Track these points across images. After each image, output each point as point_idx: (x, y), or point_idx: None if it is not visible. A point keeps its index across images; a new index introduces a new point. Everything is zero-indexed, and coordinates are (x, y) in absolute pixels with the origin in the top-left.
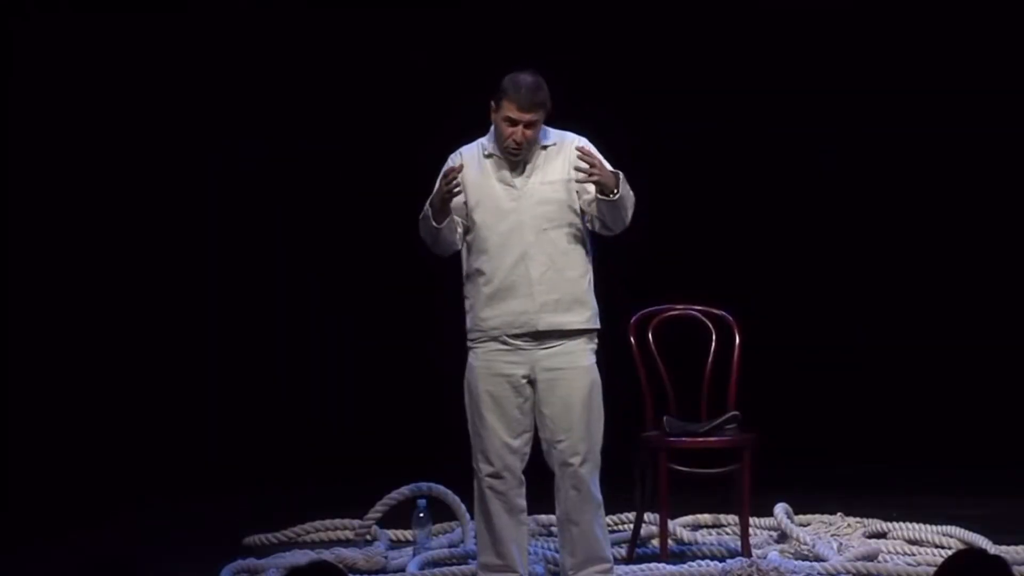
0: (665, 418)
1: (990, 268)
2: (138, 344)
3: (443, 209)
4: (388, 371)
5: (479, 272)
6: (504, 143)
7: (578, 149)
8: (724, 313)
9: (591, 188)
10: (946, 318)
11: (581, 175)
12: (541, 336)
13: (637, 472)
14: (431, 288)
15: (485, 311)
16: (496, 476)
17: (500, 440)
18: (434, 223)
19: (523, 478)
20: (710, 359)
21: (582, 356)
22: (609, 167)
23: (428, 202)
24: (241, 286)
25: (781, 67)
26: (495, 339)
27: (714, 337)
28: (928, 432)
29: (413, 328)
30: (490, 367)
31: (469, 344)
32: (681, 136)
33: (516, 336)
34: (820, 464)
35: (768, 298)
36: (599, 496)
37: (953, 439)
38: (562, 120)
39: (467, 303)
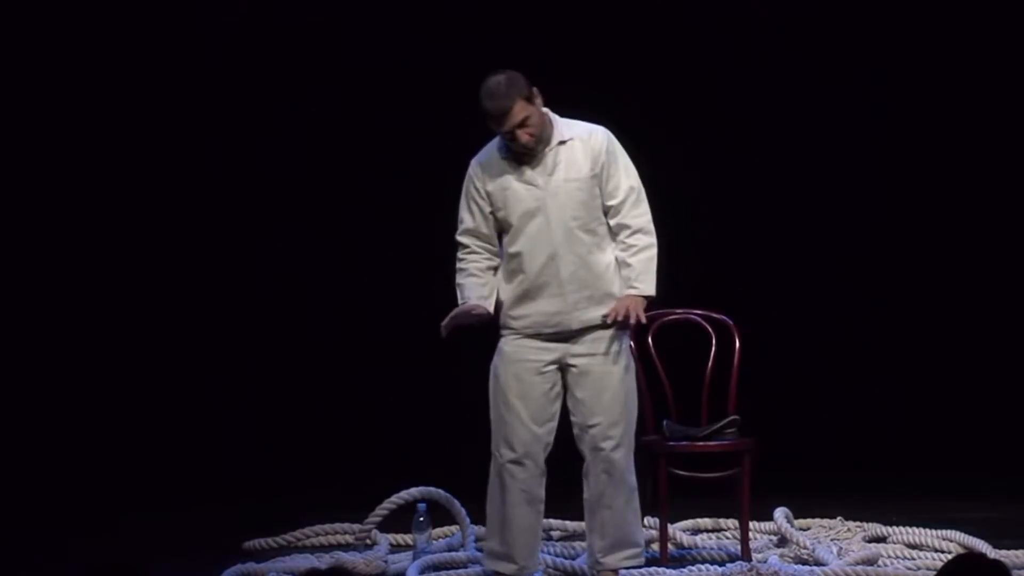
0: (665, 422)
1: (988, 271)
2: (138, 348)
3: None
4: (387, 372)
5: (512, 272)
6: (516, 149)
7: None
8: (724, 317)
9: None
10: (945, 322)
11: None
12: (575, 334)
13: (637, 476)
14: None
15: (516, 309)
16: (517, 463)
17: (524, 426)
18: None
19: (544, 468)
20: (710, 363)
21: (615, 340)
22: (642, 305)
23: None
24: (240, 288)
25: (782, 67)
26: (528, 335)
27: (714, 341)
28: (928, 435)
29: (413, 328)
30: (520, 353)
31: (501, 332)
32: (682, 137)
33: (549, 335)
34: (820, 468)
35: (768, 302)
36: (633, 481)
37: (953, 442)
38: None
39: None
